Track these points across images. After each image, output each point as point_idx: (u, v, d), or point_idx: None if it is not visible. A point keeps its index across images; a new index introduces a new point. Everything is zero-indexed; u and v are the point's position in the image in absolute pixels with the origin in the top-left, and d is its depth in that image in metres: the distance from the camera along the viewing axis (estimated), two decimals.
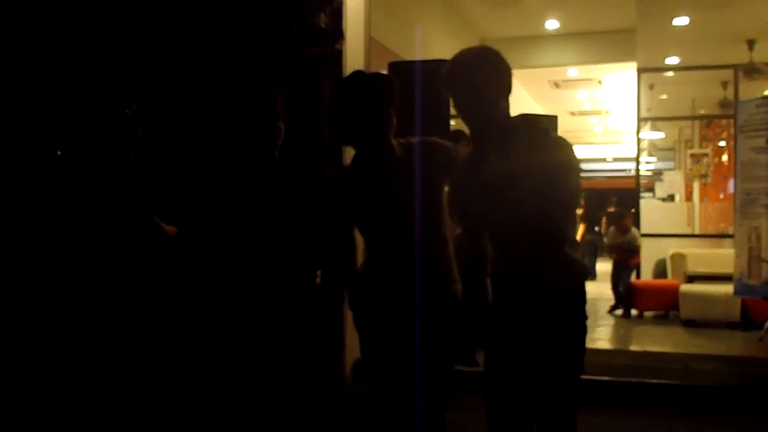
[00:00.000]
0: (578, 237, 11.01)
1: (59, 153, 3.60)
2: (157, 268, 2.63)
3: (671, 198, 9.69)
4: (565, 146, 1.93)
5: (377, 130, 2.14)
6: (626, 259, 7.21)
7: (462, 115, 2.01)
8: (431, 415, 2.19)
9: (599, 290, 9.14)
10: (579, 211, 11.54)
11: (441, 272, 2.20)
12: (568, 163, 1.91)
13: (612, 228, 7.58)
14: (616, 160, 19.14)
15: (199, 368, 2.65)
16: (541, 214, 1.87)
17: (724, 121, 9.09)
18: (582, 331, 2.01)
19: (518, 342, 1.98)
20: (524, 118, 2.00)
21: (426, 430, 2.18)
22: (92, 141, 2.65)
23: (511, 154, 1.89)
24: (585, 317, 2.02)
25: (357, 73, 2.27)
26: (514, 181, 1.87)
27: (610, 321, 6.71)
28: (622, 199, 13.94)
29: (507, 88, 1.98)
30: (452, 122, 5.55)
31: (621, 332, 6.13)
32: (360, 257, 2.37)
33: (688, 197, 9.57)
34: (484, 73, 1.94)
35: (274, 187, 2.35)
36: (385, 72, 5.31)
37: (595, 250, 11.35)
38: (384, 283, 2.19)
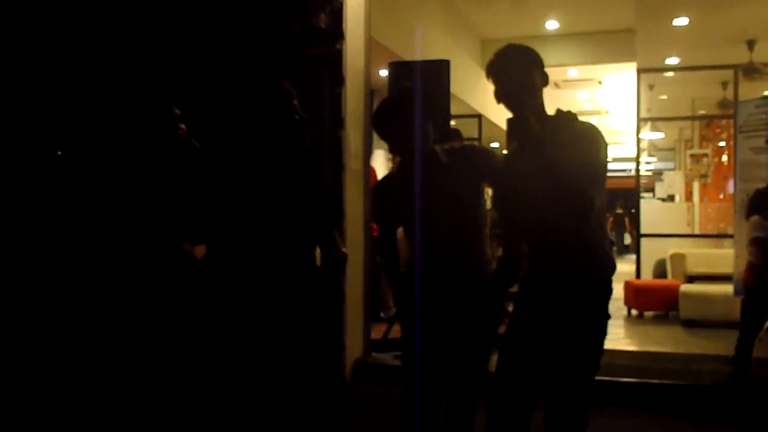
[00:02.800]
0: None
1: (59, 153, 3.61)
2: (161, 270, 2.63)
3: (671, 198, 9.69)
4: (603, 142, 1.98)
5: (419, 139, 2.30)
6: None
7: (506, 104, 2.08)
8: (462, 407, 2.35)
9: None
10: None
11: (480, 272, 2.34)
12: (604, 157, 1.98)
13: (754, 217, 4.43)
14: (616, 160, 19.14)
15: (200, 368, 2.65)
16: (577, 206, 1.90)
17: (723, 122, 9.09)
18: (604, 326, 2.04)
19: (539, 333, 2.02)
20: (562, 112, 2.06)
21: (456, 422, 2.34)
22: (138, 145, 2.67)
23: (553, 145, 1.92)
24: (608, 314, 2.05)
25: (403, 89, 2.45)
26: (552, 172, 1.90)
27: (610, 321, 6.70)
28: (623, 199, 13.98)
29: (545, 81, 2.10)
30: (452, 122, 5.55)
31: (621, 332, 6.13)
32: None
33: (688, 197, 9.57)
34: (524, 61, 2.07)
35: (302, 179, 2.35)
36: (385, 72, 5.31)
37: None
38: (424, 282, 2.32)
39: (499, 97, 2.07)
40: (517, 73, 2.04)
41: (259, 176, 2.34)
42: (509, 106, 2.06)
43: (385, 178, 2.69)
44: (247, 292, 2.33)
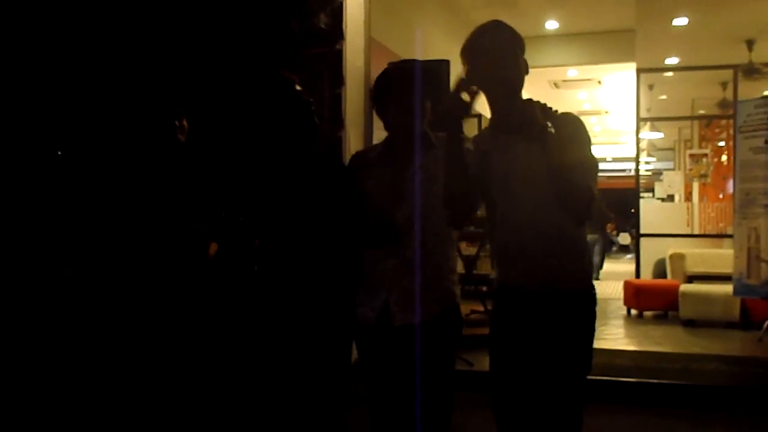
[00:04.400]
0: None
1: (59, 153, 3.61)
2: (166, 268, 2.62)
3: (671, 198, 9.69)
4: (588, 135, 1.84)
5: (413, 118, 2.15)
6: None
7: (484, 87, 1.83)
8: (436, 417, 2.19)
9: (602, 289, 9.20)
10: None
11: (445, 271, 2.21)
12: (593, 157, 1.83)
13: None
14: (615, 160, 19.17)
15: (205, 369, 2.64)
16: (581, 206, 1.75)
17: (723, 122, 9.09)
18: (592, 333, 1.95)
19: (528, 345, 1.90)
20: (537, 103, 1.79)
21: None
22: (139, 144, 2.65)
23: (535, 145, 1.71)
24: (595, 319, 1.95)
25: (404, 62, 2.31)
26: (557, 169, 1.70)
27: (609, 321, 6.72)
28: (621, 199, 14.06)
29: (527, 69, 1.89)
30: None
31: (621, 332, 6.14)
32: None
33: (688, 197, 9.57)
34: (507, 39, 1.85)
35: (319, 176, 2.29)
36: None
37: (601, 250, 11.79)
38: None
39: (479, 78, 1.79)
40: (506, 53, 1.80)
41: (272, 169, 2.28)
42: (497, 92, 1.81)
43: (359, 155, 2.39)
44: (265, 291, 2.27)
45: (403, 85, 2.16)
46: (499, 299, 2.01)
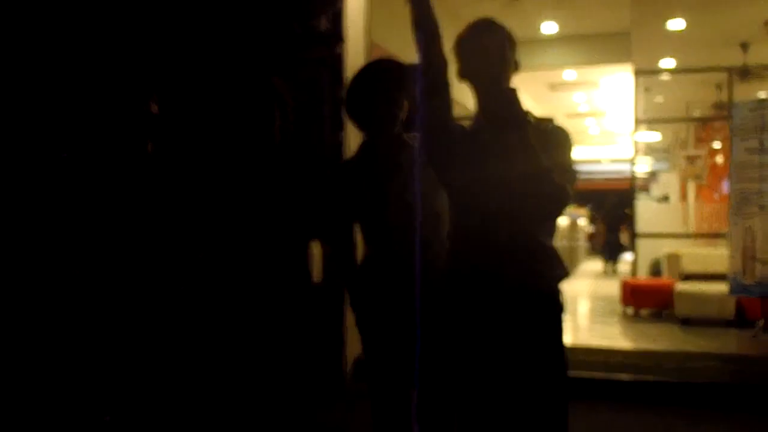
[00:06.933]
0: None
1: (64, 154, 3.64)
2: (158, 267, 2.66)
3: (666, 198, 9.76)
4: (571, 144, 1.86)
5: (388, 119, 2.17)
6: None
7: (474, 81, 1.88)
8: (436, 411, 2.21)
9: (599, 288, 9.25)
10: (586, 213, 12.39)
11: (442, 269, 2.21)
12: (572, 162, 1.84)
13: None
14: (612, 161, 19.25)
15: (199, 367, 2.68)
16: (535, 208, 1.78)
17: (718, 123, 9.17)
18: (557, 337, 1.84)
19: (492, 352, 1.81)
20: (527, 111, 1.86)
21: (429, 427, 2.21)
22: (111, 136, 2.66)
23: (520, 138, 1.75)
24: (560, 323, 1.85)
25: (375, 62, 2.30)
26: (516, 170, 1.73)
27: (606, 320, 6.78)
28: (618, 200, 14.20)
29: (518, 67, 1.91)
30: None
31: (617, 331, 6.19)
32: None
33: (684, 198, 9.64)
34: (501, 37, 1.89)
35: (275, 176, 2.31)
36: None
37: (613, 250, 12.17)
38: (383, 280, 2.17)
39: (470, 72, 1.85)
40: (495, 48, 1.85)
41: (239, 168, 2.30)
42: (483, 83, 1.85)
43: (341, 166, 2.41)
44: (242, 287, 2.30)
45: (379, 89, 2.17)
46: (453, 290, 1.90)
